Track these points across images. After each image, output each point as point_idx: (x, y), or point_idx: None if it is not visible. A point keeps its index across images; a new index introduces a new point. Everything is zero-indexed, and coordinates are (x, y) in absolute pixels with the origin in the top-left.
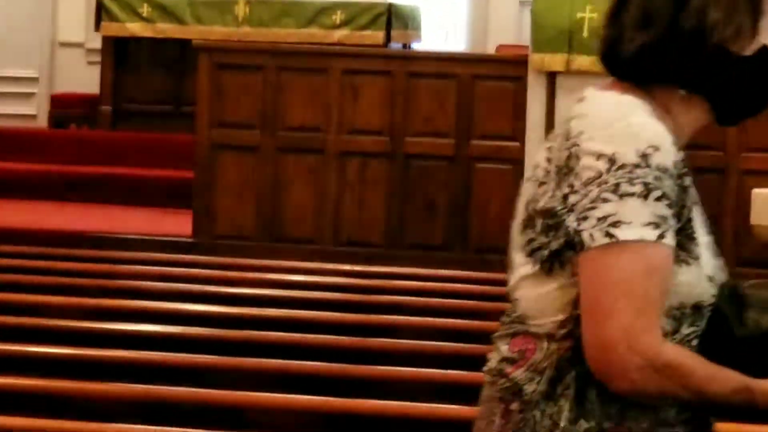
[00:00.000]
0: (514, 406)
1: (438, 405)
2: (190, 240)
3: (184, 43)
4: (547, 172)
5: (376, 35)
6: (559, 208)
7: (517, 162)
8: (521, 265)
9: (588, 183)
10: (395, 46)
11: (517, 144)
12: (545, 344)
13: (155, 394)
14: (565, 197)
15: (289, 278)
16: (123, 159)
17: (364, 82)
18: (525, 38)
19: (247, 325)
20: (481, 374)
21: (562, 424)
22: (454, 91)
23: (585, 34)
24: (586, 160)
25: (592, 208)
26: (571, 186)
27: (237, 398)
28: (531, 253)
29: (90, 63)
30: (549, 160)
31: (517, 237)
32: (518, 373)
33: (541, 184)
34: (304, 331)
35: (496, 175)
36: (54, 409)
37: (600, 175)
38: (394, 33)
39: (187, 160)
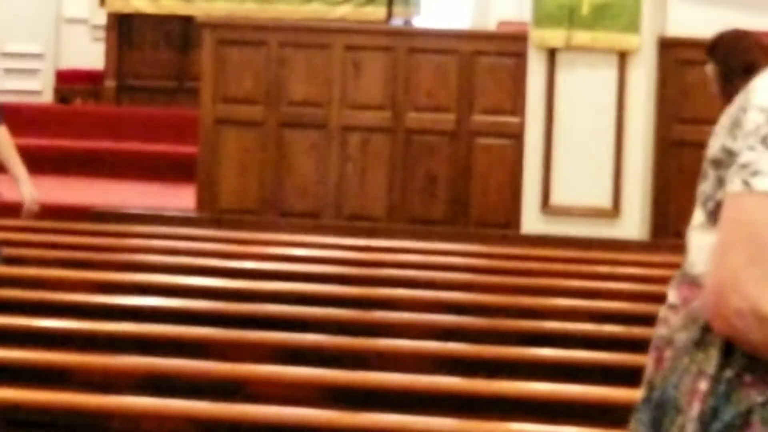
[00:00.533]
0: (667, 353)
1: (438, 378)
2: (193, 214)
3: (188, 20)
4: (723, 126)
5: (378, 11)
6: (723, 158)
7: (517, 137)
8: (696, 216)
9: (747, 134)
10: (397, 22)
11: (517, 119)
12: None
13: (158, 367)
14: (725, 147)
15: (291, 252)
16: (127, 134)
17: (366, 58)
18: (526, 14)
19: (249, 298)
20: (479, 347)
21: (709, 372)
22: (455, 67)
23: (585, 10)
24: (752, 114)
25: (740, 155)
26: (734, 136)
27: (240, 371)
28: (703, 204)
29: (95, 39)
30: (729, 115)
31: (698, 190)
32: (676, 320)
33: (716, 137)
34: (306, 305)
35: (497, 150)
36: (58, 381)
37: (758, 128)
38: (395, 9)
39: (190, 135)
